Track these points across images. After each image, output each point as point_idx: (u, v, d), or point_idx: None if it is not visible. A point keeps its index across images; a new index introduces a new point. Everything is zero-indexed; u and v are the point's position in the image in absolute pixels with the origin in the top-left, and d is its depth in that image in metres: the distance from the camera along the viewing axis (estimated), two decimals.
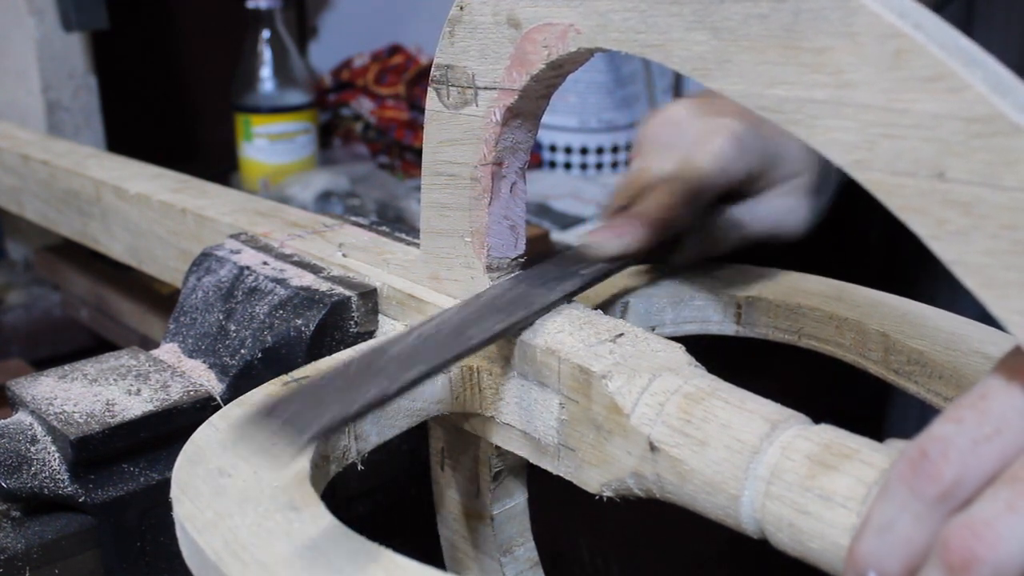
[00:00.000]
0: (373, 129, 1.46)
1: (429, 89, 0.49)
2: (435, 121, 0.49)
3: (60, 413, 0.49)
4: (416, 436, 0.55)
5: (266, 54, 1.28)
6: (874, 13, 0.32)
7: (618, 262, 0.53)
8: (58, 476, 0.48)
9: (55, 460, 0.48)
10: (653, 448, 0.40)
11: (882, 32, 0.32)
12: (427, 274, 0.52)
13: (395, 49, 1.54)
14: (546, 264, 0.51)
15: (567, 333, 0.45)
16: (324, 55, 1.56)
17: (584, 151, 1.47)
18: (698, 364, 0.43)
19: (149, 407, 0.49)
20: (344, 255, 0.58)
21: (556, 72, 0.44)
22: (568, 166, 1.48)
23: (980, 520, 0.29)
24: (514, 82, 0.45)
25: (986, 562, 0.29)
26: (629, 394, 0.41)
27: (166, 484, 0.41)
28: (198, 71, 1.44)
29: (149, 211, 0.71)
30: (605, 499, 0.44)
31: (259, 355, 0.53)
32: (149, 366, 0.54)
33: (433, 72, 0.48)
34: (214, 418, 0.43)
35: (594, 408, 0.42)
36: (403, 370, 0.40)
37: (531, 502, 0.54)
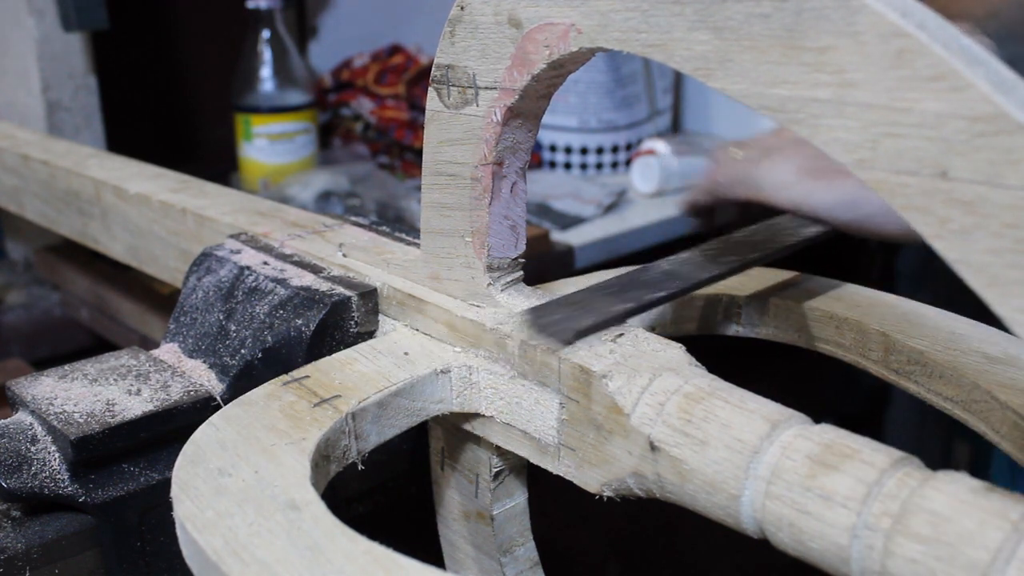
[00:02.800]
0: (373, 129, 1.46)
1: (430, 89, 0.49)
2: (435, 121, 0.49)
3: (60, 413, 0.49)
4: (416, 436, 0.55)
5: (266, 54, 1.28)
6: (876, 12, 0.32)
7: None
8: (58, 476, 0.48)
9: (55, 460, 0.48)
10: (653, 448, 0.40)
11: (884, 31, 0.32)
12: (427, 274, 0.52)
13: (395, 49, 1.54)
14: (767, 224, 0.57)
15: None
16: (324, 55, 1.56)
17: (584, 151, 1.47)
18: (698, 364, 0.43)
19: (149, 407, 0.49)
20: (344, 255, 0.58)
21: (557, 72, 0.44)
22: (568, 166, 1.48)
23: None
24: (515, 82, 0.45)
25: None
26: (629, 394, 0.41)
27: (166, 484, 0.41)
28: (198, 71, 1.44)
29: (149, 211, 0.71)
30: (605, 499, 0.44)
31: (259, 355, 0.52)
32: (149, 366, 0.54)
33: (434, 72, 0.48)
34: (214, 418, 0.43)
35: (594, 408, 0.42)
36: (651, 290, 0.47)
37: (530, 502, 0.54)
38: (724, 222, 0.67)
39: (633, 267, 0.53)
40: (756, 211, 0.61)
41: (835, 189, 0.55)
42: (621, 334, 0.45)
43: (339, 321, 0.53)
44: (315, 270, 0.56)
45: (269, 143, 1.29)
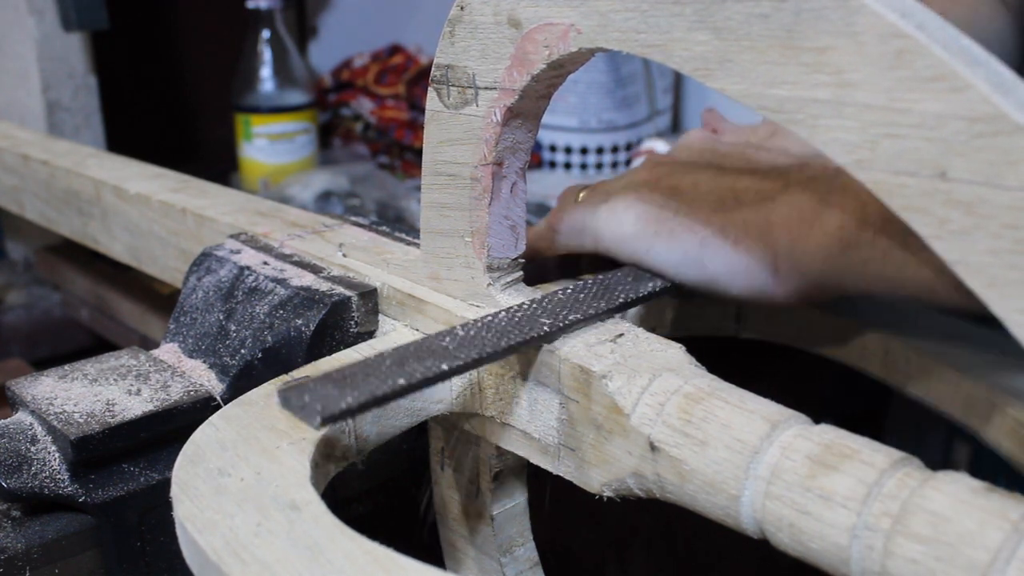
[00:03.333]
0: (373, 129, 1.46)
1: (429, 89, 0.49)
2: (435, 121, 0.49)
3: (60, 413, 0.49)
4: (416, 436, 0.55)
5: (266, 54, 1.28)
6: (875, 13, 0.32)
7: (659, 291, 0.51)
8: (58, 476, 0.48)
9: (55, 460, 0.48)
10: (653, 448, 0.40)
11: (884, 32, 0.32)
12: (427, 274, 0.52)
13: (395, 49, 1.54)
14: (599, 279, 0.51)
15: (578, 337, 0.45)
16: (324, 55, 1.56)
17: (584, 151, 1.47)
18: (698, 364, 0.43)
19: (149, 407, 0.49)
20: (344, 255, 0.58)
21: (557, 72, 0.44)
22: (568, 166, 1.48)
23: None
24: (514, 82, 0.45)
25: None
26: (629, 394, 0.41)
27: (166, 484, 0.41)
28: (198, 71, 1.44)
29: (149, 211, 0.71)
30: (605, 499, 0.44)
31: (259, 355, 0.52)
32: (149, 366, 0.54)
33: (433, 72, 0.48)
34: (214, 418, 0.43)
35: (594, 408, 0.42)
36: (437, 362, 0.41)
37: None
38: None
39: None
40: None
41: (678, 246, 0.49)
42: (621, 334, 0.45)
43: (339, 321, 0.53)
44: (315, 270, 0.57)
45: (269, 143, 1.29)
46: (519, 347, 0.44)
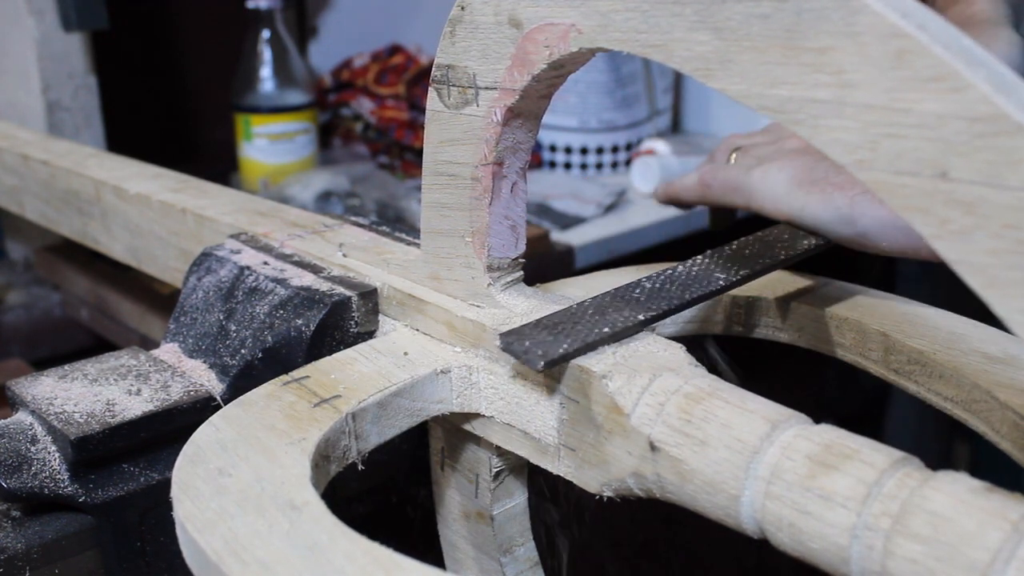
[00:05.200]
0: (373, 129, 1.46)
1: (430, 89, 0.49)
2: (436, 121, 0.49)
3: (60, 413, 0.49)
4: (416, 436, 0.55)
5: (266, 54, 1.28)
6: (876, 13, 0.32)
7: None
8: (58, 476, 0.48)
9: (55, 460, 0.48)
10: (653, 448, 0.40)
11: (884, 32, 0.32)
12: (427, 274, 0.52)
13: (395, 49, 1.54)
14: (758, 236, 0.55)
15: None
16: (324, 55, 1.56)
17: (584, 151, 1.47)
18: (698, 364, 0.43)
19: (149, 407, 0.49)
20: (344, 255, 0.58)
21: (557, 72, 0.44)
22: (568, 166, 1.48)
23: None
24: (515, 82, 0.45)
25: None
26: (629, 394, 0.41)
27: (166, 484, 0.41)
28: (198, 71, 1.44)
29: (149, 211, 0.71)
30: (605, 499, 0.44)
31: (259, 355, 0.52)
32: (149, 366, 0.54)
33: (434, 72, 0.48)
34: (214, 418, 0.43)
35: (594, 408, 0.42)
36: (636, 311, 0.45)
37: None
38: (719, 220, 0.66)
39: (623, 271, 0.53)
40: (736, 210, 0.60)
41: (830, 203, 0.53)
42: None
43: (339, 321, 0.53)
44: (315, 270, 0.57)
45: (269, 143, 1.29)
46: (702, 298, 0.48)
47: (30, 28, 1.08)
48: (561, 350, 0.42)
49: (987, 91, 0.30)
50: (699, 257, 0.52)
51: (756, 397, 0.40)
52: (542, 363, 0.41)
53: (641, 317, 0.45)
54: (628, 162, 1.48)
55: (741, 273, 0.50)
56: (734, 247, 0.54)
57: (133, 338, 1.02)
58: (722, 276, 0.49)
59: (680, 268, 0.50)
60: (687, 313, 0.58)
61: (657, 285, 0.48)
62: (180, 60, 1.42)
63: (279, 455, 0.40)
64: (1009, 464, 0.48)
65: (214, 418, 0.43)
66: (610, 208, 1.32)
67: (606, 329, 0.44)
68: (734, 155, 0.61)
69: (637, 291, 0.47)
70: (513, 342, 0.43)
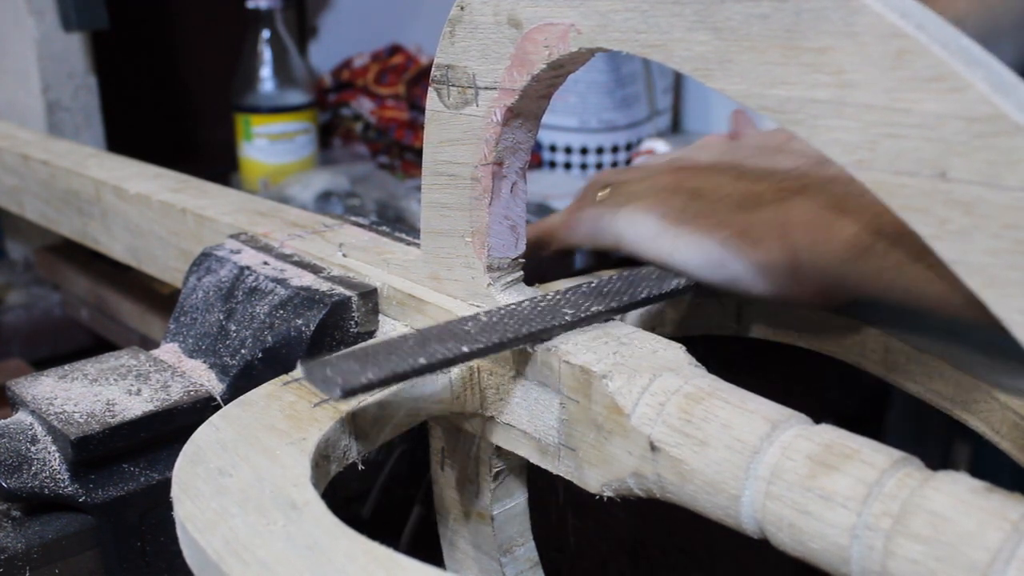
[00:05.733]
0: (373, 129, 1.46)
1: (429, 89, 0.49)
2: (435, 121, 0.49)
3: (60, 413, 0.49)
4: (416, 436, 0.55)
5: (266, 54, 1.28)
6: (876, 13, 0.32)
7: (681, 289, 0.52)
8: (58, 476, 0.48)
9: (55, 460, 0.48)
10: (653, 448, 0.40)
11: (884, 32, 0.32)
12: (427, 274, 0.52)
13: (395, 49, 1.54)
14: (623, 274, 0.52)
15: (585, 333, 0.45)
16: (324, 55, 1.56)
17: (584, 151, 1.47)
18: (698, 364, 0.43)
19: (149, 407, 0.49)
20: (344, 255, 0.58)
21: (557, 72, 0.44)
22: (568, 166, 1.48)
23: None
24: (515, 82, 0.45)
25: None
26: (629, 394, 0.41)
27: (166, 484, 0.41)
28: (198, 71, 1.44)
29: (149, 211, 0.71)
30: (605, 499, 0.44)
31: (259, 355, 0.52)
32: (149, 366, 0.54)
33: (433, 72, 0.48)
34: (214, 418, 0.43)
35: (594, 408, 0.42)
36: (457, 344, 0.43)
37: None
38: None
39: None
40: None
41: (700, 247, 0.50)
42: (620, 336, 0.45)
43: (339, 321, 0.53)
44: (315, 270, 0.57)
45: (269, 143, 1.29)
46: (540, 335, 0.45)
47: (30, 28, 1.08)
48: (363, 380, 0.39)
49: (986, 91, 0.30)
50: (552, 291, 0.49)
51: (756, 397, 0.40)
52: (339, 392, 0.39)
53: (465, 349, 0.42)
54: (628, 162, 1.48)
55: (591, 311, 0.47)
56: (594, 284, 0.50)
57: (133, 338, 1.02)
58: (569, 313, 0.46)
59: (525, 303, 0.48)
60: (686, 312, 0.58)
61: (494, 319, 0.46)
62: (180, 60, 1.42)
63: (279, 455, 0.40)
64: (1009, 464, 0.48)
65: (214, 418, 0.43)
66: None
67: (421, 360, 0.41)
68: (601, 193, 0.57)
69: (469, 324, 0.45)
70: (314, 369, 0.40)
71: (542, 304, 0.47)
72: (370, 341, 0.46)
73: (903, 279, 0.42)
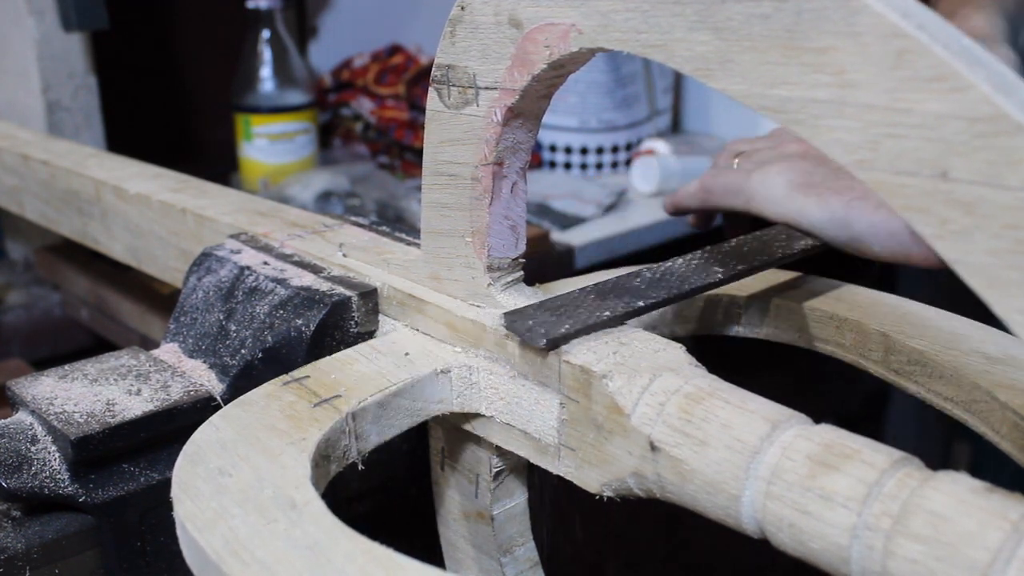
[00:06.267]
0: (373, 129, 1.46)
1: (430, 89, 0.49)
2: (436, 121, 0.49)
3: (60, 413, 0.49)
4: (416, 436, 0.55)
5: (266, 54, 1.28)
6: (877, 13, 0.32)
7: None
8: (58, 476, 0.48)
9: (55, 460, 0.48)
10: (654, 448, 0.40)
11: (885, 32, 0.32)
12: (427, 274, 0.52)
13: (395, 49, 1.54)
14: (756, 235, 0.56)
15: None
16: (324, 55, 1.56)
17: (584, 151, 1.47)
18: (698, 364, 0.43)
19: (149, 407, 0.49)
20: (344, 255, 0.58)
21: (557, 72, 0.44)
22: (568, 166, 1.48)
23: None
24: (515, 82, 0.45)
25: None
26: (629, 394, 0.41)
27: (166, 484, 0.41)
28: (198, 71, 1.44)
29: (149, 211, 0.71)
30: (605, 499, 0.44)
31: (259, 355, 0.52)
32: (149, 366, 0.54)
33: (434, 72, 0.48)
34: (214, 418, 0.43)
35: (594, 408, 0.42)
36: (634, 298, 0.47)
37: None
38: (718, 225, 0.67)
39: (622, 271, 0.53)
40: (751, 219, 0.61)
41: (826, 207, 0.54)
42: (620, 336, 0.45)
43: (339, 321, 0.53)
44: (315, 270, 0.56)
45: (269, 143, 1.29)
46: (699, 290, 0.49)
47: (30, 28, 1.08)
48: (563, 330, 0.43)
49: (987, 91, 0.30)
50: (698, 252, 0.53)
51: (756, 397, 0.40)
52: (544, 341, 0.43)
53: (640, 304, 0.46)
54: (628, 162, 1.48)
55: (738, 268, 0.51)
56: (732, 244, 0.55)
57: (133, 338, 1.02)
58: (720, 270, 0.50)
59: (679, 262, 0.52)
60: (686, 313, 0.58)
61: (657, 276, 0.49)
62: (180, 60, 1.42)
63: (279, 455, 0.40)
64: (1009, 464, 0.48)
65: (214, 418, 0.43)
66: (610, 208, 1.32)
67: (606, 313, 0.45)
68: (736, 160, 0.62)
69: (637, 280, 0.49)
70: (516, 320, 0.44)
71: (694, 263, 0.51)
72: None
73: None
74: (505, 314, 0.45)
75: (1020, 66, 0.63)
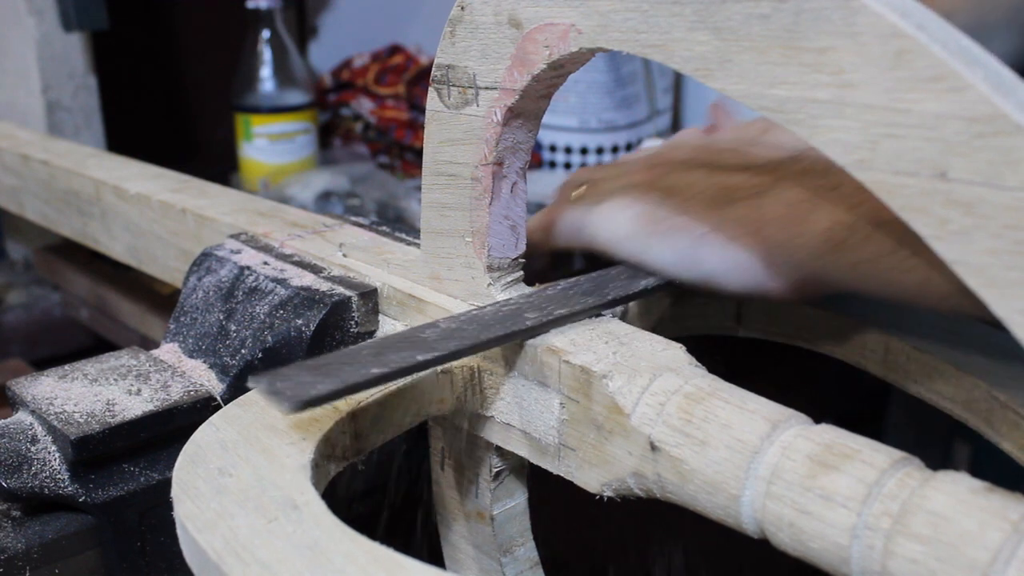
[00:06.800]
0: (373, 129, 1.46)
1: (430, 89, 0.49)
2: (436, 121, 0.49)
3: (60, 413, 0.49)
4: (416, 436, 0.55)
5: (266, 54, 1.28)
6: (876, 13, 0.32)
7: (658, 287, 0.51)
8: (58, 476, 0.48)
9: (55, 460, 0.48)
10: (654, 448, 0.40)
11: (884, 32, 0.32)
12: (427, 274, 0.52)
13: (395, 49, 1.54)
14: (591, 276, 0.51)
15: (567, 333, 0.45)
16: (324, 55, 1.56)
17: (584, 151, 1.47)
18: (698, 364, 0.43)
19: (149, 407, 0.49)
20: (344, 255, 0.58)
21: (557, 72, 0.44)
22: (568, 166, 1.48)
23: None
24: (515, 82, 0.45)
25: None
26: (630, 394, 0.41)
27: (166, 484, 0.41)
28: (198, 71, 1.44)
29: (149, 211, 0.71)
30: (605, 499, 0.44)
31: (259, 355, 0.52)
32: (149, 366, 0.54)
33: (434, 72, 0.48)
34: (214, 418, 0.43)
35: (594, 408, 0.42)
36: (422, 351, 0.42)
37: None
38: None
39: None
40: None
41: (675, 245, 0.49)
42: (620, 336, 0.45)
43: (339, 321, 0.53)
44: (315, 270, 0.57)
45: (269, 143, 1.29)
46: (499, 340, 0.44)
47: (30, 28, 1.08)
48: (314, 392, 0.38)
49: (986, 91, 0.30)
50: (516, 296, 0.49)
51: (756, 397, 0.40)
52: (287, 405, 0.38)
53: (420, 358, 0.41)
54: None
55: (555, 313, 0.46)
56: (560, 286, 0.50)
57: (133, 338, 1.02)
58: (532, 316, 0.46)
59: (489, 308, 0.47)
60: (686, 312, 0.58)
61: (454, 325, 0.45)
62: (180, 60, 1.42)
63: (279, 455, 0.40)
64: (1009, 464, 0.48)
65: (214, 418, 0.43)
66: None
67: (375, 370, 0.40)
68: (578, 191, 0.56)
69: (428, 332, 0.44)
70: (264, 382, 0.39)
71: (504, 310, 0.47)
72: (330, 354, 0.44)
73: (879, 271, 0.42)
74: (252, 378, 0.39)
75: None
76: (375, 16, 1.60)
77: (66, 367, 0.53)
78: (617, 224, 0.52)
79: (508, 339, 0.44)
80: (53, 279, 1.15)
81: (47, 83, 1.10)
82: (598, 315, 0.48)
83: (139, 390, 0.51)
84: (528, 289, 0.51)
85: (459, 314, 0.46)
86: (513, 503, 0.53)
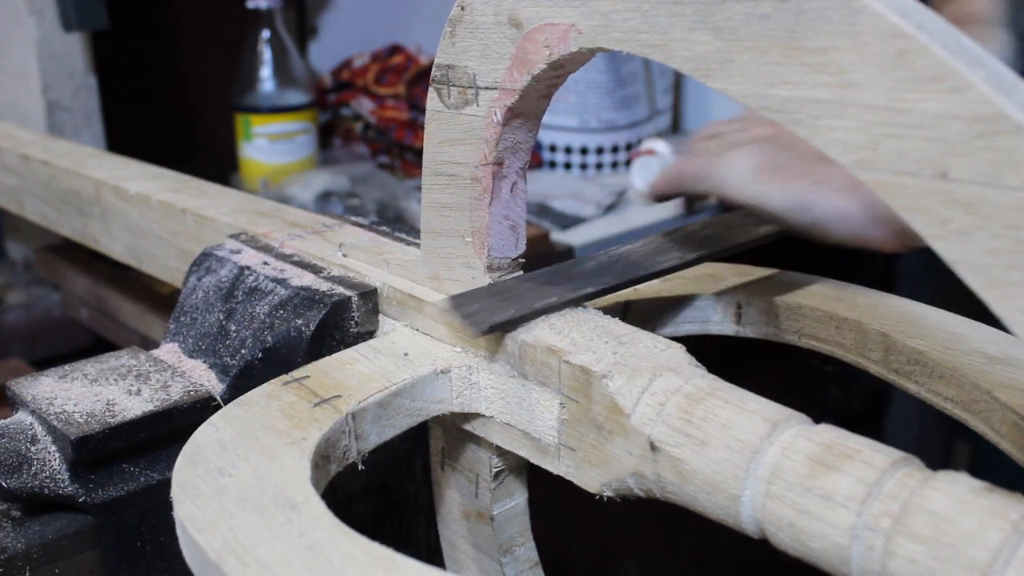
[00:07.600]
0: (373, 129, 1.46)
1: (430, 89, 0.49)
2: (436, 121, 0.49)
3: (60, 413, 0.49)
4: (416, 436, 0.55)
5: (266, 54, 1.28)
6: (877, 13, 0.32)
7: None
8: (58, 476, 0.48)
9: (55, 460, 0.48)
10: (654, 448, 0.40)
11: (885, 32, 0.32)
12: (427, 274, 0.52)
13: (395, 49, 1.54)
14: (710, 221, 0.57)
15: (567, 333, 0.45)
16: (324, 55, 1.56)
17: (584, 151, 1.47)
18: (698, 364, 0.43)
19: (149, 407, 0.49)
20: (344, 255, 0.58)
21: (557, 72, 0.44)
22: (568, 166, 1.48)
23: None
24: (515, 82, 0.45)
25: None
26: (630, 394, 0.41)
27: (166, 484, 0.41)
28: (198, 71, 1.44)
29: (149, 211, 0.71)
30: (605, 499, 0.44)
31: (259, 355, 0.52)
32: (149, 366, 0.54)
33: (434, 72, 0.48)
34: (214, 418, 0.43)
35: (594, 408, 0.42)
36: (583, 284, 0.47)
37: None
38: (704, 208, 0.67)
39: (573, 259, 0.53)
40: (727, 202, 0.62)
41: (787, 191, 0.55)
42: (622, 334, 0.45)
43: (339, 321, 0.53)
44: (315, 270, 0.56)
45: (269, 143, 1.29)
46: (651, 276, 0.49)
47: (30, 28, 1.08)
48: (506, 316, 0.43)
49: (987, 91, 0.30)
50: (655, 236, 0.53)
51: (756, 397, 0.40)
52: (487, 326, 0.42)
53: (589, 289, 0.46)
54: (628, 162, 1.48)
55: (695, 254, 0.51)
56: (690, 229, 0.55)
57: (133, 338, 1.02)
58: (677, 255, 0.50)
59: (636, 246, 0.52)
60: (686, 312, 0.58)
61: (611, 260, 0.49)
62: (180, 60, 1.42)
63: (279, 455, 0.40)
64: (1009, 464, 0.48)
65: (214, 418, 0.43)
66: (610, 208, 1.32)
67: (553, 298, 0.45)
68: (710, 142, 0.63)
69: (590, 264, 0.49)
70: (462, 304, 0.44)
71: (651, 247, 0.51)
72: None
73: None
74: (450, 297, 0.45)
75: (1019, 50, 0.63)
76: (375, 16, 1.60)
77: (66, 367, 0.53)
78: (739, 171, 0.58)
79: (657, 275, 0.49)
80: (53, 279, 1.15)
81: (47, 83, 1.10)
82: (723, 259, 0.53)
83: (139, 390, 0.51)
84: None
85: (607, 251, 0.51)
86: (513, 503, 0.53)
